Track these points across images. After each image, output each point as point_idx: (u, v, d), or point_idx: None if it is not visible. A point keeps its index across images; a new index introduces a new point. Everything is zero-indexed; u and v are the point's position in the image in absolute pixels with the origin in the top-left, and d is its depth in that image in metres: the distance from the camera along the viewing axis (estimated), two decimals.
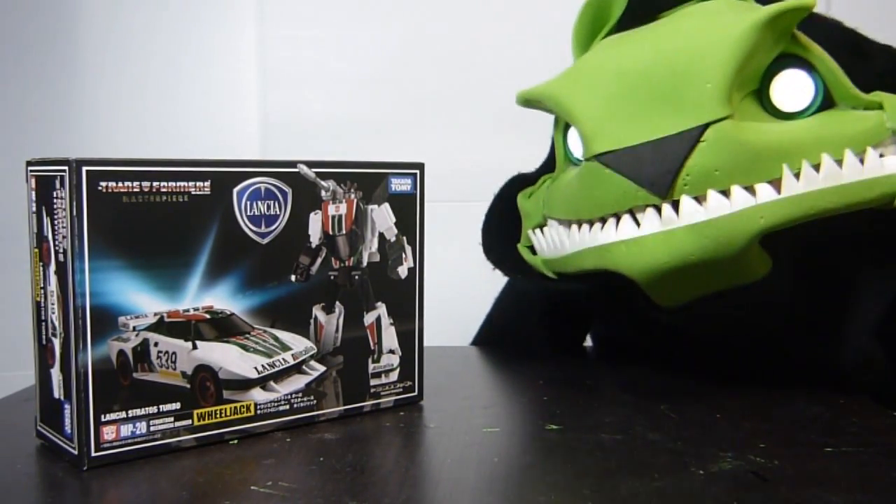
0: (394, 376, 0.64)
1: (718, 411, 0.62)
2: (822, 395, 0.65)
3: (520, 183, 0.82)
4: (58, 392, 0.53)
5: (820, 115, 0.63)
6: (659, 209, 0.61)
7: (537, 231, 0.75)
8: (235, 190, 0.55)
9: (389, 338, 0.64)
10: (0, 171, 0.93)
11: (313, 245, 0.59)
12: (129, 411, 0.53)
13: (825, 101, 0.63)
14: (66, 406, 0.52)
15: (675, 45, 0.64)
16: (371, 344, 0.63)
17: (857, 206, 0.60)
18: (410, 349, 0.65)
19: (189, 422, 0.55)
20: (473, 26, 1.10)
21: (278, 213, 0.57)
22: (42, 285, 0.54)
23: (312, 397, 0.60)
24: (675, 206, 0.61)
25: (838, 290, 0.67)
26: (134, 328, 0.52)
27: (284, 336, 0.58)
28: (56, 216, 0.51)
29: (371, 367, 0.63)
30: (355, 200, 0.61)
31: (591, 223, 0.66)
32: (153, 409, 0.53)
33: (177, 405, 0.54)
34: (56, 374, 0.53)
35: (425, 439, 0.59)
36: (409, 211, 0.64)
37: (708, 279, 0.63)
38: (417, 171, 0.64)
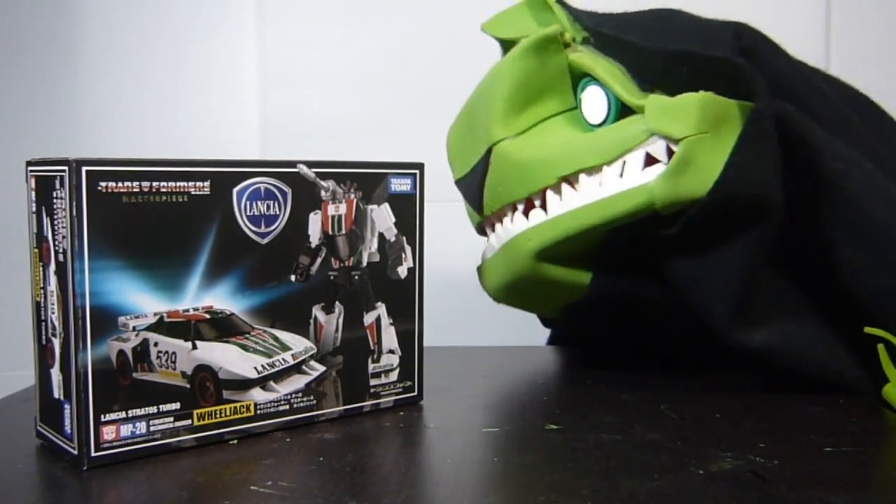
0: (394, 376, 0.64)
1: (718, 411, 0.62)
2: (822, 395, 0.65)
3: None
4: (58, 392, 0.53)
5: (610, 124, 0.67)
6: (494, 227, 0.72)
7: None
8: (235, 190, 0.55)
9: (389, 338, 0.64)
10: (0, 171, 0.93)
11: (313, 245, 0.59)
12: (129, 411, 0.53)
13: (624, 111, 0.66)
14: (66, 406, 0.52)
15: (479, 85, 0.75)
16: (371, 344, 0.63)
17: (621, 218, 0.63)
18: (410, 349, 0.65)
19: (189, 422, 0.55)
20: (473, 26, 1.10)
21: (278, 213, 0.57)
22: (42, 285, 0.54)
23: (312, 397, 0.60)
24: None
25: (673, 287, 0.68)
26: (134, 328, 0.52)
27: (284, 336, 0.58)
28: (56, 216, 0.51)
29: (371, 367, 0.63)
30: (355, 200, 0.61)
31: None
32: (153, 409, 0.53)
33: (177, 405, 0.54)
34: (56, 374, 0.53)
35: (425, 439, 0.59)
36: (408, 211, 0.64)
37: (546, 296, 0.72)
38: (417, 171, 0.64)
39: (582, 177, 0.64)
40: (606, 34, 0.71)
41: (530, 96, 0.70)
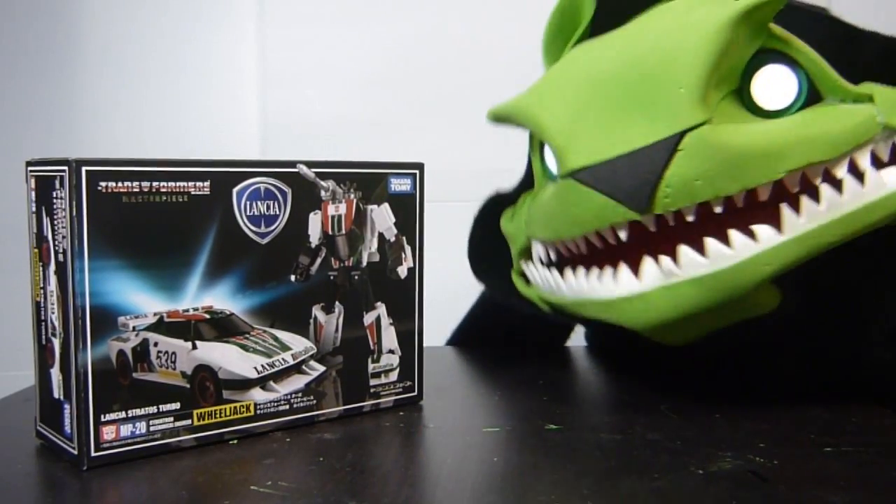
0: (393, 376, 0.64)
1: (718, 411, 0.62)
2: (822, 395, 0.65)
3: (497, 203, 0.79)
4: (58, 392, 0.53)
5: (806, 111, 0.60)
6: (657, 257, 0.59)
7: (530, 265, 0.72)
8: (235, 190, 0.55)
9: (389, 338, 0.64)
10: (0, 171, 0.93)
11: (313, 245, 0.59)
12: (129, 411, 0.53)
13: (811, 96, 0.60)
14: (66, 406, 0.52)
15: (644, 48, 0.61)
16: (371, 344, 0.63)
17: (861, 231, 0.57)
18: (410, 349, 0.65)
19: (189, 422, 0.55)
20: (473, 26, 1.10)
21: (278, 213, 0.57)
22: (42, 285, 0.54)
23: (312, 397, 0.60)
24: (673, 253, 0.58)
25: (848, 303, 0.64)
26: (134, 328, 0.52)
27: (284, 336, 0.58)
28: (56, 216, 0.51)
29: (371, 367, 0.63)
30: (355, 200, 0.61)
31: (587, 266, 0.63)
32: (153, 409, 0.53)
33: (176, 405, 0.54)
34: (56, 374, 0.53)
35: (425, 439, 0.59)
36: (408, 211, 0.64)
37: (714, 320, 0.60)
38: (417, 171, 0.64)
39: (822, 185, 0.57)
40: (803, 8, 0.63)
41: (721, 73, 0.59)
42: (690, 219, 0.58)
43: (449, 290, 0.87)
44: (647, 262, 0.59)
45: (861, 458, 0.53)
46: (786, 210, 0.56)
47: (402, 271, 0.64)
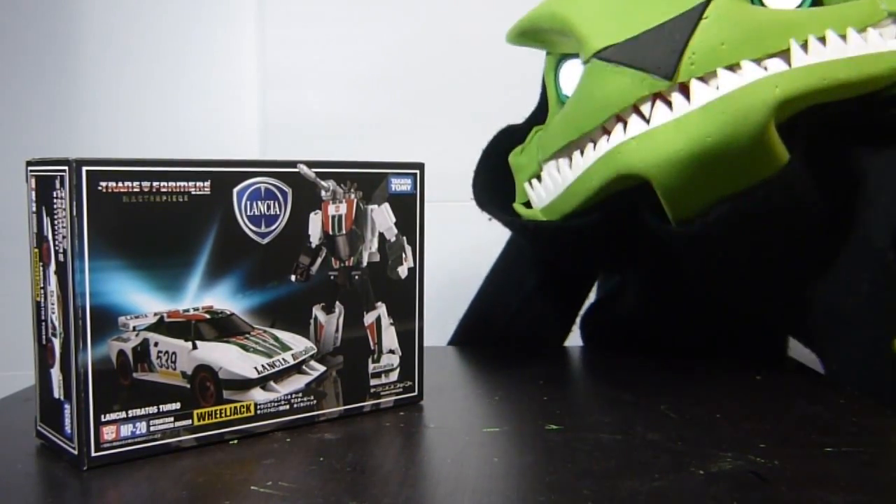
0: (394, 376, 0.64)
1: (718, 411, 0.62)
2: (822, 395, 0.65)
3: (508, 136, 0.81)
4: (58, 392, 0.53)
5: (812, 8, 0.63)
6: (668, 101, 0.60)
7: (533, 182, 0.73)
8: (235, 190, 0.55)
9: (389, 338, 0.64)
10: (0, 171, 0.93)
11: (313, 245, 0.59)
12: (129, 411, 0.52)
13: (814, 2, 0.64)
14: (66, 406, 0.52)
15: None
16: (371, 344, 0.63)
17: (867, 80, 0.60)
18: (410, 349, 0.65)
19: (189, 422, 0.55)
20: (473, 26, 1.10)
21: (278, 213, 0.57)
22: (42, 285, 0.54)
23: (312, 397, 0.60)
24: (685, 92, 0.59)
25: (856, 179, 0.65)
26: (134, 328, 0.52)
27: (284, 336, 0.58)
28: (56, 216, 0.51)
29: (371, 367, 0.63)
30: (355, 200, 0.61)
31: (595, 141, 0.64)
32: (153, 409, 0.53)
33: (177, 405, 0.54)
34: (56, 374, 0.53)
35: (425, 439, 0.59)
36: (409, 211, 0.64)
37: (726, 174, 0.60)
38: (417, 171, 0.64)
39: (828, 32, 0.61)
40: None
41: None
42: (716, 87, 0.59)
43: (449, 290, 0.87)
44: (659, 105, 0.60)
45: (861, 459, 0.53)
46: (794, 45, 0.60)
47: (403, 271, 0.64)
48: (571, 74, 0.71)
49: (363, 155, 0.65)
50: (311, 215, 0.59)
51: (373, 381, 0.63)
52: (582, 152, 0.65)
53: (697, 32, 0.59)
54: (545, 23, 0.69)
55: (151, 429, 0.53)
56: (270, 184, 0.57)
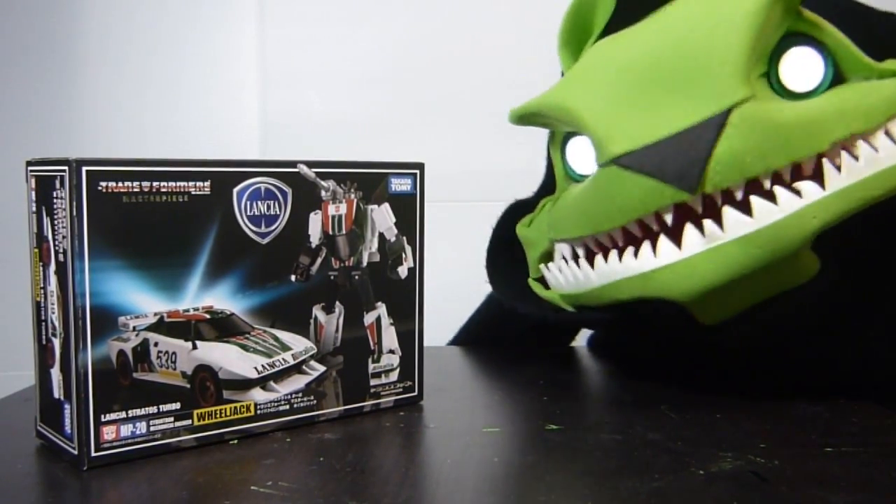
0: (394, 376, 0.64)
1: (718, 411, 0.62)
2: (822, 395, 0.65)
3: (518, 210, 0.78)
4: (58, 392, 0.53)
5: (836, 89, 0.61)
6: (699, 225, 0.58)
7: (551, 266, 0.70)
8: (235, 190, 0.55)
9: (389, 338, 0.64)
10: (0, 171, 0.93)
11: (313, 245, 0.59)
12: (129, 411, 0.52)
13: (836, 78, 0.61)
14: (66, 406, 0.52)
15: (681, 32, 0.61)
16: (371, 344, 0.63)
17: None
18: (410, 349, 0.65)
19: (189, 422, 0.55)
20: (474, 26, 1.10)
21: (278, 213, 0.57)
22: (42, 285, 0.54)
23: (312, 397, 0.60)
24: (711, 206, 0.58)
25: (883, 277, 0.64)
26: (134, 328, 0.52)
27: (284, 336, 0.58)
28: (56, 216, 0.51)
29: (371, 367, 0.63)
30: (355, 200, 0.61)
31: (620, 250, 0.62)
32: (153, 409, 0.53)
33: (177, 405, 0.54)
34: (56, 374, 0.53)
35: (425, 439, 0.59)
36: (409, 211, 0.64)
37: (758, 288, 0.59)
38: (417, 171, 0.64)
39: (859, 143, 0.58)
40: None
41: (758, 52, 0.60)
42: (739, 196, 0.58)
43: (449, 290, 0.87)
44: (689, 230, 0.58)
45: (862, 459, 0.53)
46: (827, 165, 0.57)
47: (403, 271, 0.64)
48: (581, 152, 0.69)
49: (363, 155, 0.65)
50: (311, 215, 0.59)
51: (373, 381, 0.63)
52: (605, 257, 0.63)
53: (721, 142, 0.56)
54: (553, 113, 0.67)
55: (151, 429, 0.53)
56: (270, 184, 0.57)
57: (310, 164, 0.59)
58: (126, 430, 0.52)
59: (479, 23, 1.10)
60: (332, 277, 0.60)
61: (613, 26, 0.69)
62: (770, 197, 0.57)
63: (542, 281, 0.73)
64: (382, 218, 0.63)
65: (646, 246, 0.60)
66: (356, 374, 0.62)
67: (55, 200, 0.51)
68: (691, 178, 0.57)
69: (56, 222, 0.51)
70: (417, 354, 0.65)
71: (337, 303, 0.61)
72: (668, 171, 0.57)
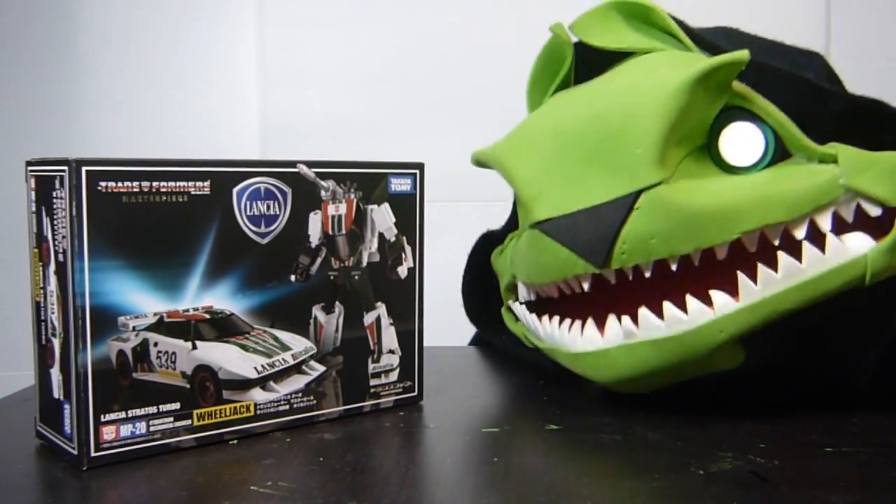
0: (394, 376, 0.64)
1: (718, 411, 0.62)
2: (822, 396, 0.65)
3: (488, 241, 0.82)
4: (58, 392, 0.53)
5: (770, 169, 0.60)
6: (619, 317, 0.60)
7: (516, 305, 0.73)
8: (235, 190, 0.55)
9: (389, 338, 0.64)
10: (0, 171, 0.93)
11: (313, 245, 0.59)
12: (129, 411, 0.53)
13: (779, 153, 0.60)
14: (66, 406, 0.52)
15: (607, 106, 0.63)
16: (371, 344, 0.63)
17: (824, 296, 0.56)
18: (410, 349, 0.65)
19: (189, 422, 0.55)
20: (473, 26, 1.10)
21: (278, 213, 0.57)
22: (42, 285, 0.54)
23: (312, 397, 0.60)
24: (633, 315, 0.60)
25: (825, 360, 0.64)
26: (134, 328, 0.52)
27: (284, 336, 0.58)
28: (56, 216, 0.51)
29: (371, 367, 0.63)
30: (355, 200, 0.61)
31: (561, 318, 0.65)
32: (153, 410, 0.53)
33: (176, 405, 0.54)
34: (56, 374, 0.53)
35: (425, 439, 0.59)
36: (409, 211, 0.64)
37: (677, 376, 0.61)
38: (417, 171, 0.64)
39: (780, 254, 0.56)
40: (770, 66, 0.63)
41: (682, 132, 0.60)
42: (647, 275, 0.59)
43: (449, 290, 0.87)
44: (611, 320, 0.62)
45: (862, 459, 0.53)
46: (742, 278, 0.57)
47: (402, 271, 0.64)
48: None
49: (363, 155, 0.65)
50: (311, 215, 0.59)
51: (373, 381, 0.63)
52: (550, 318, 0.67)
53: (628, 223, 0.58)
54: (496, 168, 0.70)
55: (151, 429, 0.53)
56: (270, 184, 0.57)
57: (310, 164, 0.59)
58: (126, 430, 0.53)
59: (479, 23, 1.10)
60: (331, 277, 0.60)
61: (578, 75, 0.71)
62: (682, 302, 0.58)
63: (510, 310, 0.76)
64: (382, 218, 0.63)
65: (576, 325, 0.64)
66: (356, 374, 0.62)
67: (55, 200, 0.51)
68: (600, 253, 0.59)
69: (56, 222, 0.51)
70: (417, 354, 0.65)
71: (337, 303, 0.61)
72: (580, 243, 0.60)
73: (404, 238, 0.64)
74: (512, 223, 0.80)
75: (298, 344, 0.59)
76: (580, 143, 0.63)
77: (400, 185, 0.63)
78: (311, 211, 0.59)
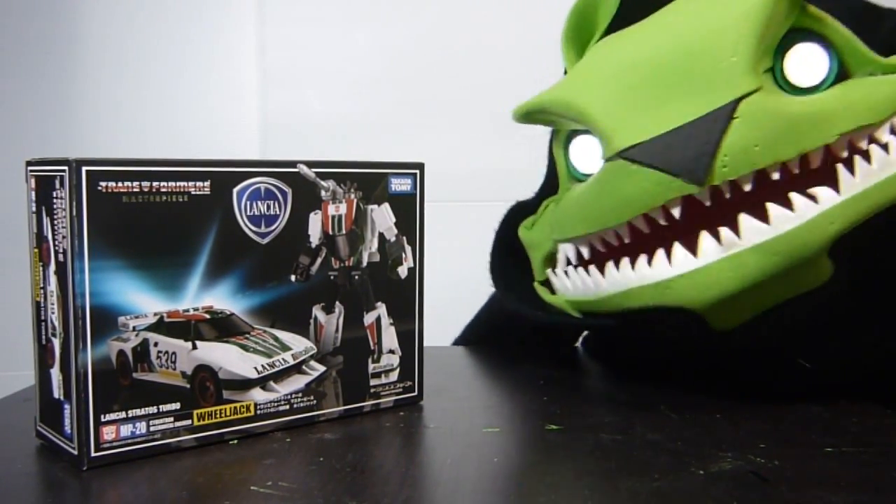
0: (394, 376, 0.64)
1: (718, 411, 0.62)
2: (822, 395, 0.65)
3: (519, 212, 0.78)
4: (58, 392, 0.53)
5: (842, 84, 0.61)
6: (714, 232, 0.58)
7: (557, 271, 0.70)
8: (235, 190, 0.55)
9: (389, 338, 0.64)
10: (0, 171, 0.93)
11: (313, 245, 0.59)
12: (129, 411, 0.52)
13: (840, 73, 0.62)
14: (66, 406, 0.52)
15: (687, 27, 0.62)
16: (371, 344, 0.63)
17: None
18: (410, 349, 0.65)
19: (189, 422, 0.55)
20: (473, 26, 1.10)
21: (278, 213, 0.57)
22: (42, 285, 0.54)
23: (312, 397, 0.60)
24: (732, 226, 0.58)
25: (891, 280, 0.63)
26: (134, 328, 0.52)
27: (284, 336, 0.58)
28: (56, 216, 0.51)
29: (371, 367, 0.63)
30: (355, 200, 0.61)
31: (632, 256, 0.62)
32: (153, 410, 0.53)
33: (177, 405, 0.54)
34: (56, 374, 0.53)
35: (425, 439, 0.59)
36: (409, 211, 0.64)
37: (773, 292, 0.59)
38: (417, 171, 0.64)
39: (870, 145, 0.58)
40: None
41: (765, 45, 0.60)
42: (748, 188, 0.58)
43: (449, 290, 0.87)
44: (705, 237, 0.58)
45: (861, 459, 0.53)
46: (843, 172, 0.58)
47: (402, 271, 0.64)
48: (584, 150, 0.69)
49: (363, 155, 0.65)
50: (311, 215, 0.59)
51: (373, 381, 0.63)
52: (616, 262, 0.63)
53: (729, 133, 0.56)
54: (558, 109, 0.67)
55: (151, 429, 0.53)
56: (270, 184, 0.57)
57: (310, 164, 0.59)
58: (126, 430, 0.52)
59: (479, 23, 1.10)
60: (332, 277, 0.60)
61: (616, 25, 0.69)
62: (786, 203, 0.57)
63: (547, 284, 0.73)
64: (382, 218, 0.63)
65: (660, 254, 0.60)
66: (356, 374, 0.62)
67: (55, 200, 0.51)
68: (700, 171, 0.56)
69: (56, 222, 0.51)
70: (417, 354, 0.65)
71: (337, 303, 0.61)
72: (676, 163, 0.57)
73: (404, 238, 0.64)
74: (544, 191, 0.77)
75: (298, 344, 0.59)
76: (663, 66, 0.61)
77: (400, 185, 0.63)
78: (311, 211, 0.59)
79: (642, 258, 0.61)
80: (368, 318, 0.63)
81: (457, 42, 1.09)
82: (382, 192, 0.62)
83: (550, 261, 0.72)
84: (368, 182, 0.62)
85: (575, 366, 0.81)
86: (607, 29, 0.70)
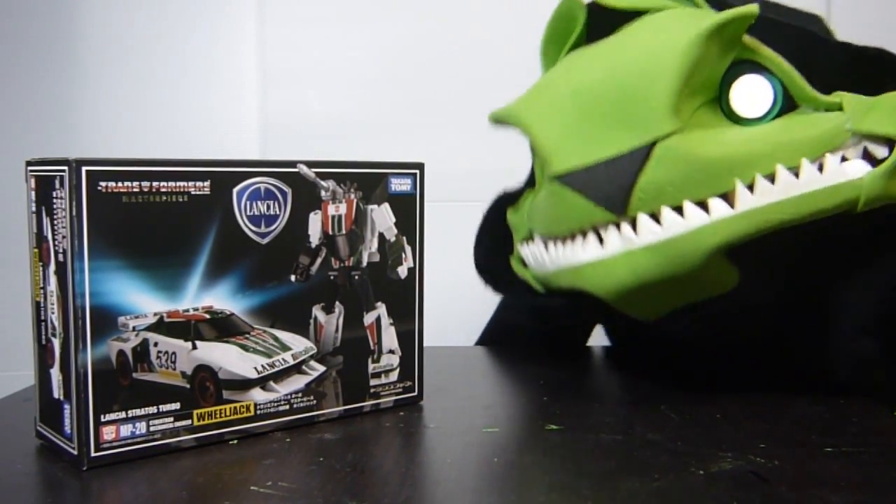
0: (394, 376, 0.64)
1: (718, 411, 0.62)
2: (823, 396, 0.65)
3: (505, 199, 0.83)
4: (57, 392, 0.53)
5: (781, 119, 0.62)
6: (619, 227, 0.62)
7: (526, 244, 0.75)
8: (235, 190, 0.55)
9: (389, 338, 0.64)
10: (0, 171, 0.93)
11: (313, 245, 0.59)
12: (129, 411, 0.52)
13: (787, 104, 0.63)
14: (66, 406, 0.52)
15: (622, 62, 0.65)
16: (371, 344, 0.63)
17: (818, 214, 0.58)
18: (410, 349, 0.65)
19: (189, 422, 0.55)
20: (473, 26, 1.10)
21: (278, 213, 0.57)
22: (42, 285, 0.54)
23: (312, 397, 0.60)
24: (634, 224, 0.61)
25: (818, 293, 0.65)
26: (134, 328, 0.52)
27: (284, 336, 0.58)
28: (56, 216, 0.51)
29: (371, 367, 0.63)
30: (355, 200, 0.61)
31: (565, 240, 0.67)
32: (153, 410, 0.53)
33: (176, 405, 0.54)
34: (56, 374, 0.53)
35: (425, 439, 0.59)
36: (409, 211, 0.64)
37: (674, 294, 0.63)
38: (417, 171, 0.64)
39: (779, 168, 0.59)
40: (777, 21, 0.65)
41: (694, 85, 0.62)
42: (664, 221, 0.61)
43: (449, 290, 0.87)
44: (611, 230, 0.63)
45: (862, 459, 0.53)
46: (739, 186, 0.59)
47: (402, 271, 0.64)
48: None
49: (363, 155, 0.65)
50: (311, 215, 0.59)
51: (373, 382, 0.63)
52: (555, 244, 0.68)
53: (644, 172, 0.61)
54: (514, 124, 0.72)
55: (151, 429, 0.53)
56: (270, 184, 0.57)
57: (310, 164, 0.59)
58: (126, 430, 0.52)
59: (478, 23, 1.10)
60: (332, 277, 0.60)
61: (590, 35, 0.72)
62: (680, 209, 0.60)
63: (522, 262, 0.79)
64: (382, 218, 0.63)
65: (579, 240, 0.65)
66: (356, 374, 0.62)
67: (55, 200, 0.51)
68: (618, 203, 0.62)
69: (56, 222, 0.51)
70: (417, 354, 0.65)
71: (337, 303, 0.61)
72: (600, 193, 0.63)
73: (404, 238, 0.64)
74: (528, 182, 0.82)
75: (298, 344, 0.59)
76: (598, 99, 0.65)
77: (400, 185, 0.63)
78: (311, 211, 0.59)
79: (569, 241, 0.67)
80: (368, 318, 0.63)
81: (457, 42, 1.09)
82: (382, 192, 0.62)
83: (526, 243, 0.77)
84: (368, 182, 0.62)
85: (575, 366, 0.81)
86: (579, 38, 0.73)
